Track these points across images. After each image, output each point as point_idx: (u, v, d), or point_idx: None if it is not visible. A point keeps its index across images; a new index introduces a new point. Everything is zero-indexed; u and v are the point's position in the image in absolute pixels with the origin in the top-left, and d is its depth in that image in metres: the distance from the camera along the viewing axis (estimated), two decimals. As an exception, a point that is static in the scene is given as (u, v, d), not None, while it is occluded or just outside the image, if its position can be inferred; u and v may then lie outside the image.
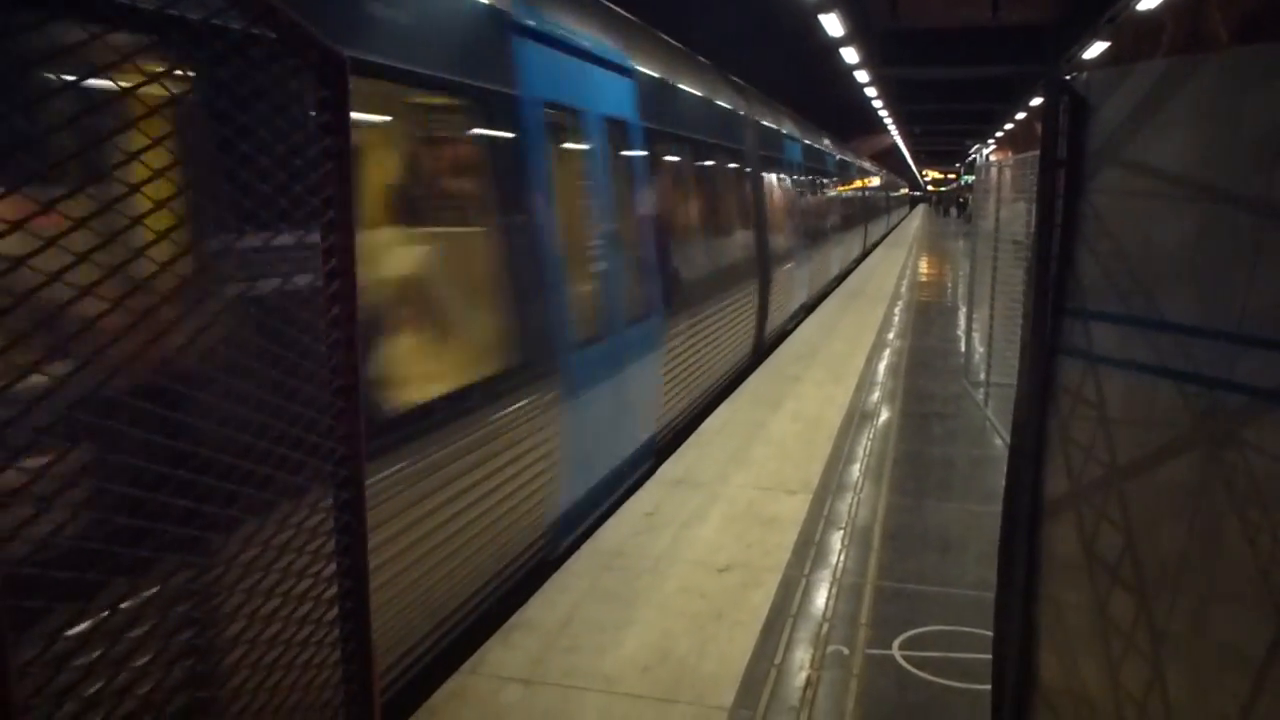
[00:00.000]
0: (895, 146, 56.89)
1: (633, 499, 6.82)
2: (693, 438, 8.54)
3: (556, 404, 5.50)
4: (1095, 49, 18.36)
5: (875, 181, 35.46)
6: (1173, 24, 14.71)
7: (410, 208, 4.50)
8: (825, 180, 21.35)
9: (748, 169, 12.71)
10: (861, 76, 22.74)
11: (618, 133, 7.24)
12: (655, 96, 8.43)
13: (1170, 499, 2.66)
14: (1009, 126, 40.94)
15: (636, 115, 7.70)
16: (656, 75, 8.60)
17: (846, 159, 26.92)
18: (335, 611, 2.81)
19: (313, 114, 2.68)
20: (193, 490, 2.31)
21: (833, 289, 21.35)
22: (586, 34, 6.71)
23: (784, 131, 16.05)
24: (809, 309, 17.60)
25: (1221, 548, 2.48)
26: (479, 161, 5.04)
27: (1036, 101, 28.91)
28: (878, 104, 30.49)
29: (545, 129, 5.67)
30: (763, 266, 12.96)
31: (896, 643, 4.73)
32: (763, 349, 13.17)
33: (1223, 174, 2.54)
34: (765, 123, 14.38)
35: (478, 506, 4.60)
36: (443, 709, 4.11)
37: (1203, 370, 2.55)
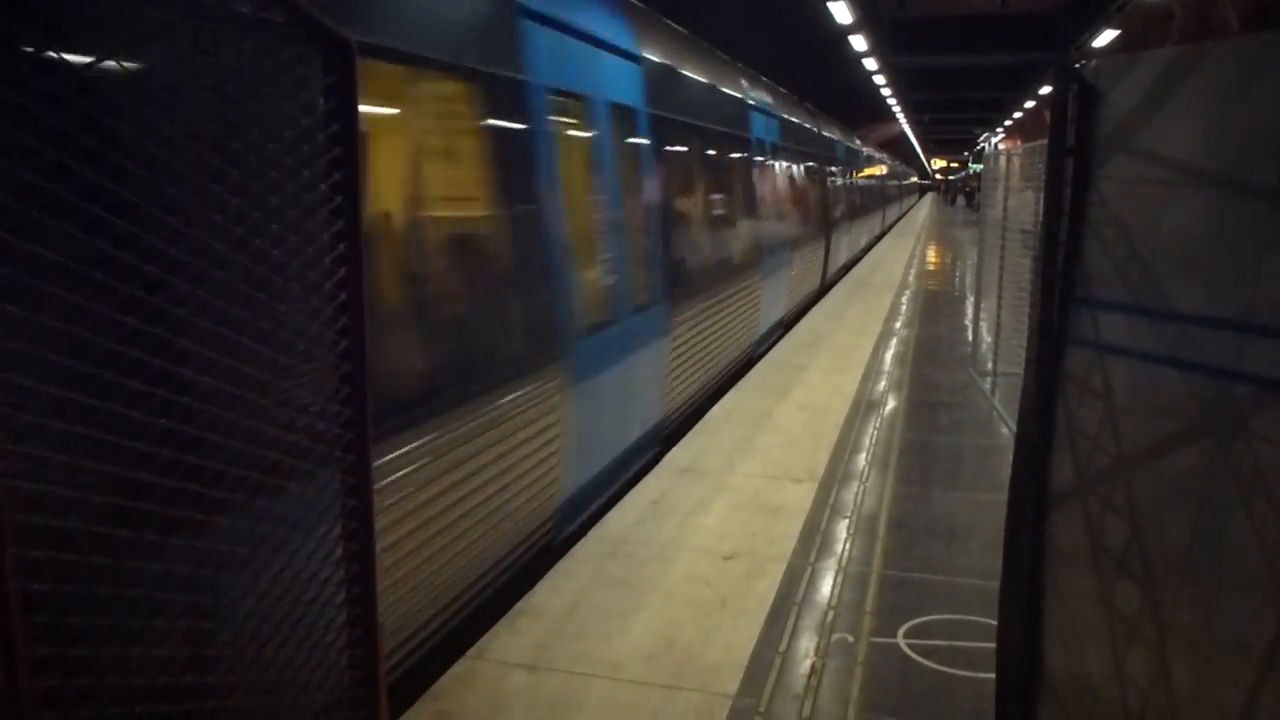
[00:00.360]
0: (903, 135, 56.71)
1: (639, 487, 6.83)
2: (699, 425, 8.55)
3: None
4: (1104, 37, 18.25)
5: (885, 170, 36.51)
6: (1181, 11, 14.62)
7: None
8: (851, 174, 23.74)
9: (804, 166, 16.22)
10: (870, 64, 22.65)
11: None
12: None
13: (1176, 489, 2.66)
14: (1018, 115, 40.76)
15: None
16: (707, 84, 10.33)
17: (864, 151, 28.32)
18: (343, 595, 2.82)
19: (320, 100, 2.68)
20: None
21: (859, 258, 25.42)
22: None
23: (820, 131, 19.28)
24: (848, 267, 22.78)
25: (1227, 539, 2.47)
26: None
27: (1045, 90, 28.78)
28: (886, 92, 30.36)
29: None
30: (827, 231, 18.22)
31: (901, 631, 4.74)
32: (828, 283, 18.82)
33: (1232, 162, 2.52)
34: (806, 125, 17.49)
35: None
36: (448, 693, 4.13)
37: (1210, 360, 2.54)
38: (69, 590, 1.93)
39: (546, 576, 5.31)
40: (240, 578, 2.45)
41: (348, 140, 2.78)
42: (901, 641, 4.65)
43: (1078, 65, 3.01)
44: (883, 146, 44.94)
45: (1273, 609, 2.33)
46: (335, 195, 2.77)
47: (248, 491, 2.48)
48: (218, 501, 2.39)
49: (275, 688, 2.56)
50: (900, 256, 27.35)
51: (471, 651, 4.48)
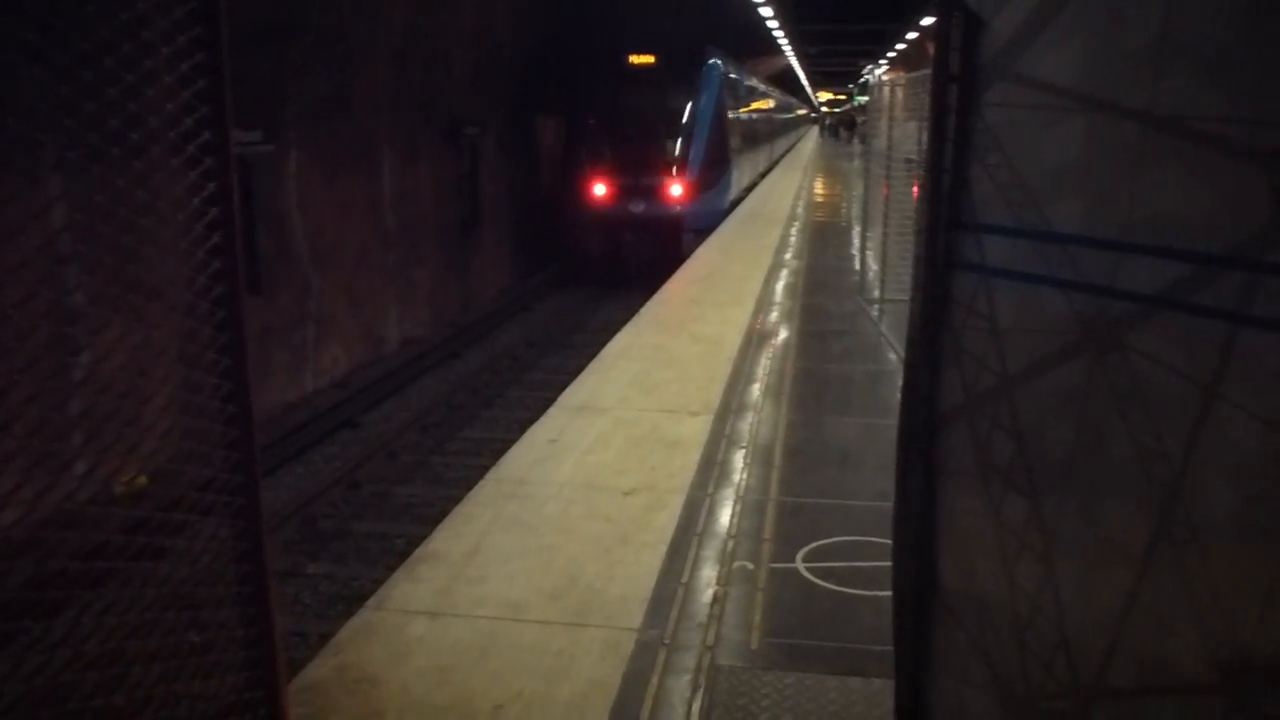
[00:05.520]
0: (791, 68, 56.93)
1: (536, 425, 6.81)
2: (593, 364, 8.54)
3: None
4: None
5: (775, 103, 39.45)
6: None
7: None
8: (764, 112, 33.52)
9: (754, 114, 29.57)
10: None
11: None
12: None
13: (1058, 403, 2.74)
14: (901, 46, 41.25)
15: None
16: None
17: (758, 86, 32.03)
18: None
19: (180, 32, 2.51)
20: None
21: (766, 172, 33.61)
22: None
23: (762, 93, 32.85)
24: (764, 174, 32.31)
25: (1105, 448, 2.57)
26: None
27: (928, 21, 29.17)
28: (773, 24, 30.43)
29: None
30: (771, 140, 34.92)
31: (800, 555, 4.85)
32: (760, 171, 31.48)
33: (1108, 87, 2.57)
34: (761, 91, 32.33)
35: None
36: (348, 645, 4.08)
37: (1089, 279, 2.62)
38: None
39: (445, 521, 5.27)
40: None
41: (214, 70, 2.61)
42: (800, 565, 4.76)
43: (960, -10, 3.02)
44: (772, 80, 45.28)
45: (1147, 512, 2.43)
46: (201, 131, 2.61)
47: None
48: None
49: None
50: (789, 189, 27.65)
51: (370, 602, 4.43)
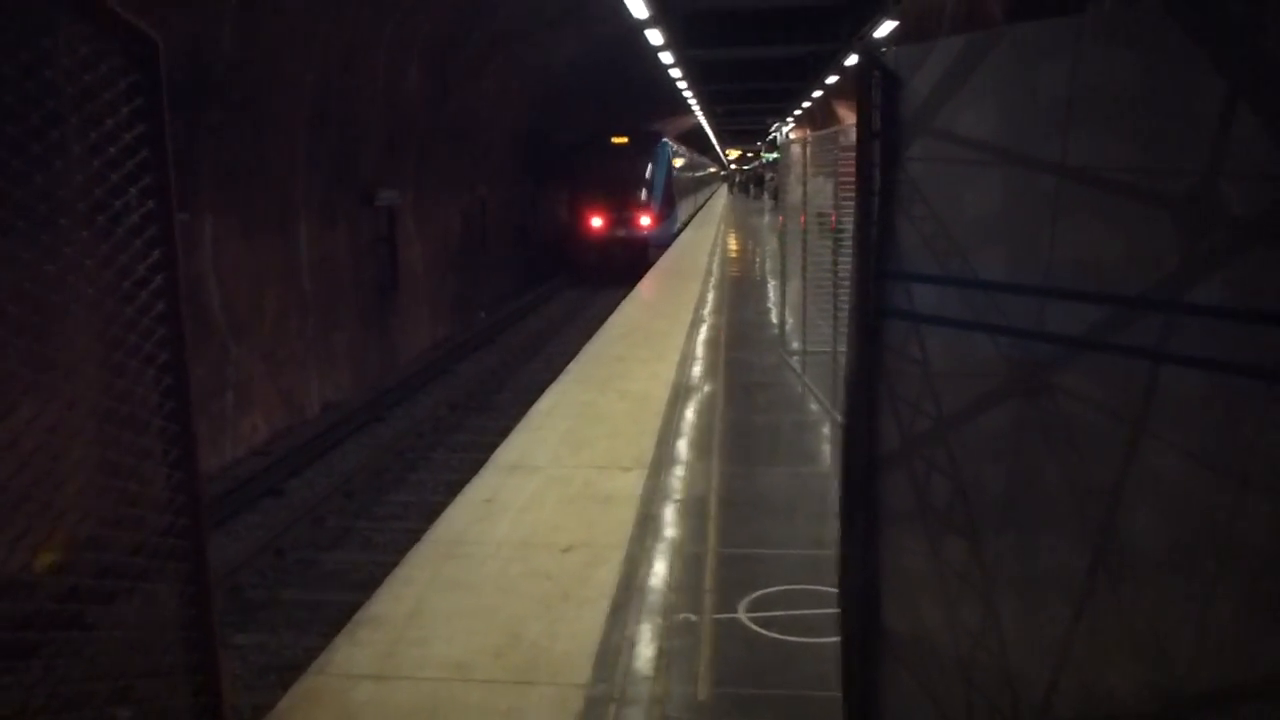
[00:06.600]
0: (700, 127, 58.04)
1: (469, 486, 6.77)
2: (522, 423, 8.53)
3: None
4: (885, 28, 19.22)
5: (694, 162, 51.06)
6: (953, 4, 15.58)
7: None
8: (691, 171, 44.54)
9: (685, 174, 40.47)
10: (666, 58, 23.12)
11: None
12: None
13: (992, 445, 2.85)
14: (806, 105, 42.40)
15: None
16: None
17: (688, 155, 44.55)
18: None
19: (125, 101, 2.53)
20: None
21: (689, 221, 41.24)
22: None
23: (690, 159, 44.61)
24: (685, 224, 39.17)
25: (1041, 486, 2.68)
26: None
27: (831, 80, 30.09)
28: (683, 84, 31.26)
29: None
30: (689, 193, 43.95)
31: (741, 605, 4.89)
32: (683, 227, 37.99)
33: (1023, 140, 2.72)
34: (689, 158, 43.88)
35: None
36: (293, 713, 3.99)
37: (1015, 323, 2.74)
38: None
39: (384, 584, 5.20)
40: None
41: (156, 140, 2.63)
42: (743, 615, 4.80)
43: (881, 51, 3.17)
44: (681, 139, 46.62)
45: (1082, 546, 2.54)
46: (146, 200, 2.62)
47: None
48: None
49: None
50: (704, 245, 28.13)
51: (313, 667, 4.34)
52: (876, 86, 3.22)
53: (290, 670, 6.01)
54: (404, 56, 15.79)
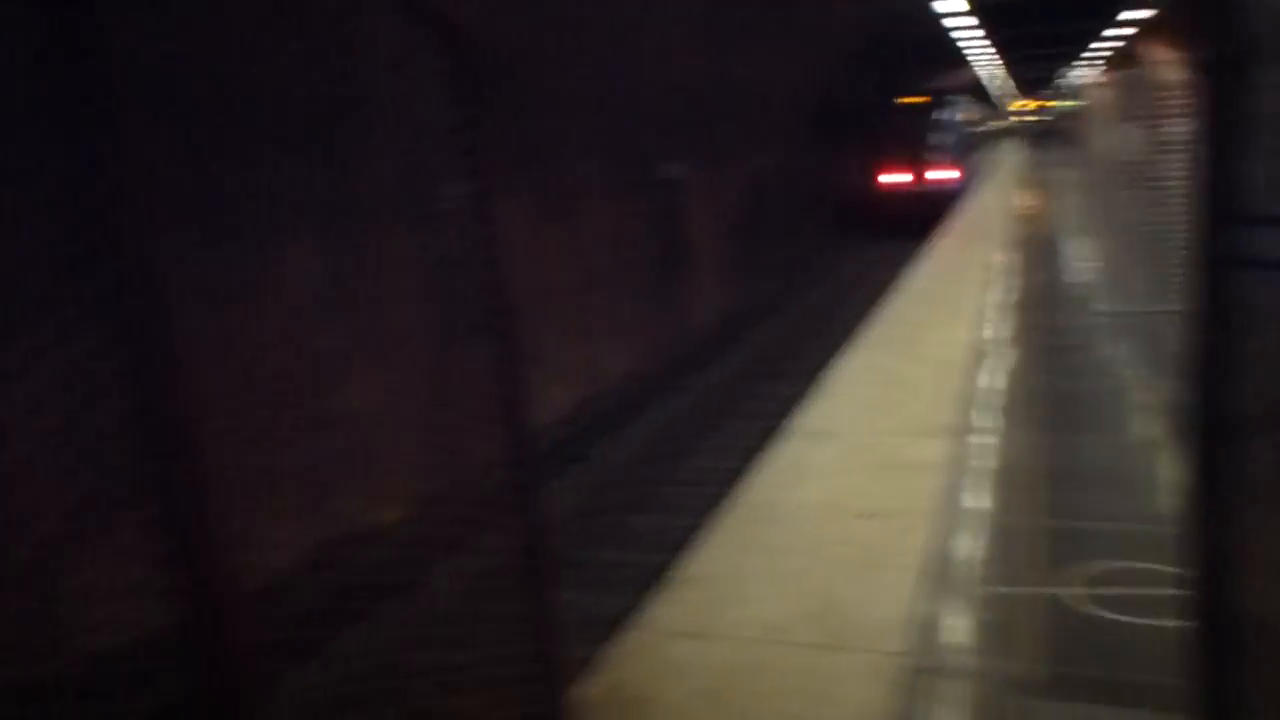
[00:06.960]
0: (980, 82, 55.36)
1: (772, 454, 6.87)
2: (821, 389, 8.54)
3: None
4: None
5: (983, 116, 52.18)
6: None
7: None
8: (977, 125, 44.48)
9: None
10: (959, 3, 22.54)
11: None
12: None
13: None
14: (1106, 49, 39.41)
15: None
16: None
17: (979, 109, 46.47)
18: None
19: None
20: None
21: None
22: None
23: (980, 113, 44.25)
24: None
25: None
26: None
27: (1133, 14, 27.84)
28: (969, 36, 30.27)
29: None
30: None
31: (1064, 581, 4.70)
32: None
33: None
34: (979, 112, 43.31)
35: None
36: (618, 665, 4.24)
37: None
38: None
39: (698, 545, 5.40)
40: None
41: (475, 127, 2.80)
42: (1067, 590, 4.62)
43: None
44: (966, 94, 44.70)
45: None
46: (469, 180, 2.81)
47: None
48: None
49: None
50: (993, 202, 26.83)
51: (635, 623, 4.59)
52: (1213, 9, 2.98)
53: (605, 625, 6.36)
54: (682, 25, 16.05)
